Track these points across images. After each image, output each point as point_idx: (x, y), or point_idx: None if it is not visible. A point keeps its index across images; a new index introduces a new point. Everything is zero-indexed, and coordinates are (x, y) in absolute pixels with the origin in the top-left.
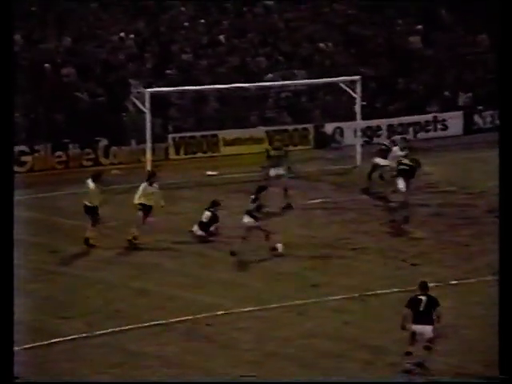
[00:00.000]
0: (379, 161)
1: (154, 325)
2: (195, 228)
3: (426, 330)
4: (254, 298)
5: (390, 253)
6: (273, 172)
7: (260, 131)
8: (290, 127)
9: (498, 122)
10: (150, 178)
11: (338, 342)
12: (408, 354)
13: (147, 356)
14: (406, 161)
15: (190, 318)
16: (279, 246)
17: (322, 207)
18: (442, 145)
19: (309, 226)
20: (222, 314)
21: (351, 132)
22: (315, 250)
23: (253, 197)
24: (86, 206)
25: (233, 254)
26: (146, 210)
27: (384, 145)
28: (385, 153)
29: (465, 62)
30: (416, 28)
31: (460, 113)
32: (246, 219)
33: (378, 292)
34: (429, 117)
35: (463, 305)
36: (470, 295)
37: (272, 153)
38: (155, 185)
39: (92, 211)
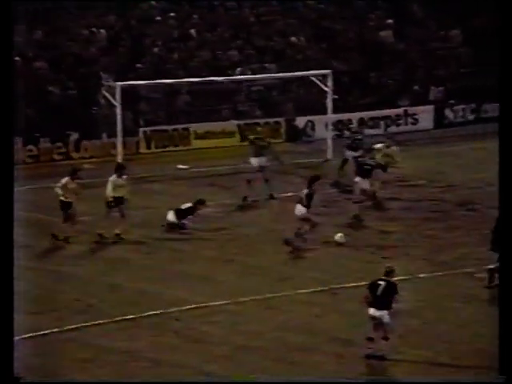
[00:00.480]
0: (350, 154)
1: (125, 319)
2: (170, 214)
3: (381, 314)
4: (224, 292)
5: (360, 246)
6: (254, 161)
7: (231, 125)
8: (262, 121)
9: (469, 116)
10: (119, 170)
11: (309, 335)
12: (369, 339)
13: (117, 351)
14: (369, 161)
15: (160, 312)
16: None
17: (292, 200)
18: (412, 139)
19: (280, 219)
20: (192, 308)
21: (322, 126)
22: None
23: (306, 190)
24: (61, 202)
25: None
26: (120, 202)
27: (356, 138)
28: (356, 146)
29: (436, 56)
30: (387, 22)
31: (431, 107)
32: (298, 209)
33: (349, 285)
34: (400, 111)
35: (433, 298)
36: (440, 288)
37: (257, 142)
38: (124, 177)
39: (68, 207)
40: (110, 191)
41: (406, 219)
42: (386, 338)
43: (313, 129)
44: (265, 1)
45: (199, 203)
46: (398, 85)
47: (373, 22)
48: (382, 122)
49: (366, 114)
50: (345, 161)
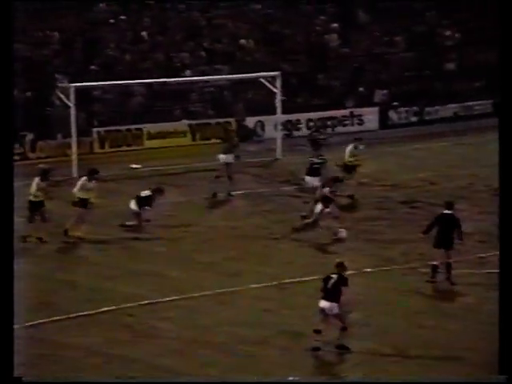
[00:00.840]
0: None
1: (80, 316)
2: (132, 203)
3: (330, 306)
4: (176, 288)
5: (308, 242)
6: (222, 158)
7: (183, 125)
8: (213, 121)
9: (412, 118)
10: (91, 174)
11: (258, 329)
12: (317, 331)
13: (73, 347)
14: (317, 160)
15: (114, 308)
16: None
17: (243, 198)
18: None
19: (231, 216)
20: (145, 304)
21: (272, 126)
22: (237, 240)
23: (327, 188)
24: (30, 202)
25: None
26: (84, 205)
27: (318, 138)
28: (318, 146)
29: (381, 60)
30: (333, 27)
31: (376, 109)
32: (319, 206)
33: (297, 280)
34: (346, 112)
35: (377, 291)
36: (384, 282)
37: (229, 140)
38: (94, 182)
39: (38, 206)
40: (77, 191)
41: (352, 216)
42: (344, 329)
43: (262, 129)
44: (215, 5)
45: (157, 191)
46: (345, 87)
47: (319, 27)
48: (329, 123)
49: (313, 115)
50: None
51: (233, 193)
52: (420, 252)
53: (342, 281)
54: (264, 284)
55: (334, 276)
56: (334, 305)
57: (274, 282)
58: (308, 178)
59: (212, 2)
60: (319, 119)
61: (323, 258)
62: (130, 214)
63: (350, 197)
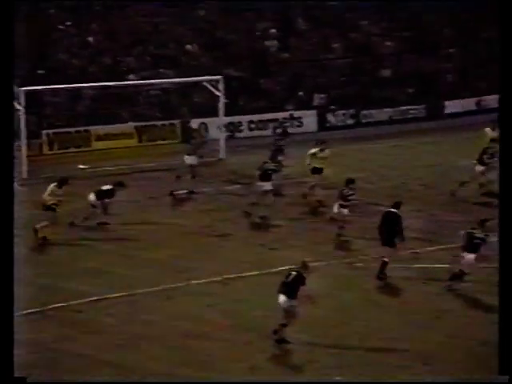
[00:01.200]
0: (281, 158)
1: (30, 313)
2: (91, 195)
3: (285, 300)
4: (123, 285)
5: (250, 239)
6: (187, 159)
7: (130, 127)
8: (159, 123)
9: (348, 120)
10: (61, 182)
11: (201, 324)
12: (283, 325)
13: (23, 343)
14: (271, 165)
15: (62, 305)
16: None
17: (188, 197)
18: (298, 140)
19: (176, 215)
20: (93, 301)
21: (215, 127)
22: (182, 238)
23: (345, 190)
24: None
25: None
26: (52, 208)
27: (281, 145)
28: (280, 152)
29: (320, 66)
30: (272, 33)
31: (314, 111)
32: (336, 208)
33: (239, 275)
34: (286, 114)
35: (315, 285)
36: (322, 277)
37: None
38: (63, 188)
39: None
40: (46, 196)
41: (291, 213)
42: (283, 325)
43: (206, 130)
44: (161, 11)
45: (118, 185)
46: (285, 91)
47: (260, 33)
48: (270, 125)
49: (255, 117)
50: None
51: (179, 192)
52: (356, 248)
53: (300, 279)
54: (208, 280)
55: (293, 272)
56: (289, 299)
57: (218, 278)
58: (260, 183)
59: (158, 7)
60: (260, 121)
61: (264, 254)
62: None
63: (319, 202)
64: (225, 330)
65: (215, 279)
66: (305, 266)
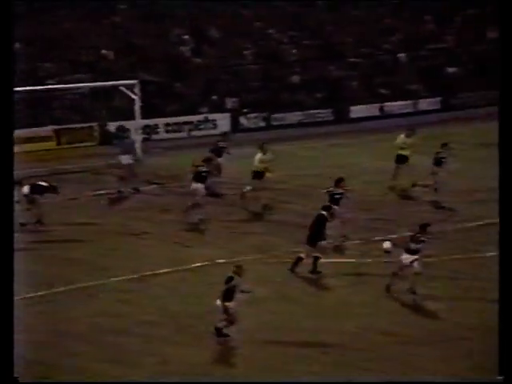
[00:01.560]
0: (220, 160)
1: None
2: (25, 187)
3: (225, 305)
4: (44, 283)
5: (166, 237)
6: (123, 158)
7: (48, 130)
8: (77, 126)
9: (260, 123)
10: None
11: (120, 319)
12: (229, 324)
13: None
14: (204, 168)
15: None
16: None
17: (106, 198)
18: (212, 142)
19: (95, 214)
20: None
21: (132, 130)
22: (101, 236)
23: (336, 189)
24: None
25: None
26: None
27: (222, 147)
28: (220, 152)
29: (232, 71)
30: (186, 39)
31: (228, 114)
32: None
33: (156, 272)
34: (201, 117)
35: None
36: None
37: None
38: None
39: None
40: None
41: (207, 212)
42: (230, 323)
43: (124, 132)
44: (78, 17)
45: (52, 188)
46: (199, 95)
47: (175, 39)
48: (185, 127)
49: (170, 120)
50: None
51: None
52: (270, 244)
53: (231, 285)
54: (125, 277)
55: (230, 277)
56: (225, 303)
57: (135, 275)
58: (194, 185)
59: (74, 13)
60: (176, 124)
61: (180, 252)
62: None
63: (265, 206)
64: (142, 326)
65: (133, 276)
66: (238, 269)
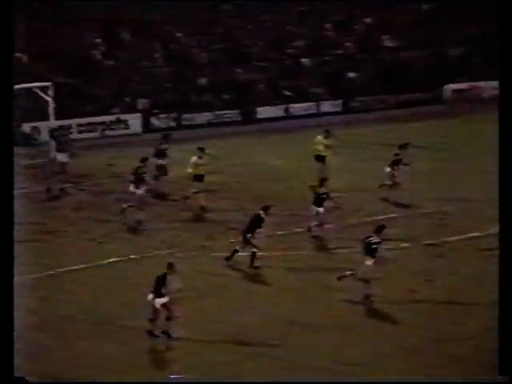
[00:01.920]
0: (161, 161)
1: None
2: None
3: (157, 301)
4: None
5: (80, 234)
6: (59, 157)
7: None
8: None
9: (171, 123)
10: None
11: (36, 315)
12: (150, 320)
13: None
14: (142, 170)
15: None
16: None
17: (22, 197)
18: (125, 141)
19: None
20: None
21: (46, 130)
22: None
23: (323, 189)
24: None
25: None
26: None
27: (161, 149)
28: (162, 154)
29: (144, 73)
30: (99, 42)
31: (139, 115)
32: (315, 208)
33: (71, 268)
34: (112, 117)
35: (143, 275)
36: (149, 267)
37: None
38: None
39: None
40: None
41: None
42: (168, 318)
43: (38, 133)
44: None
45: None
46: (112, 96)
47: (89, 42)
48: (98, 127)
49: (84, 120)
50: (157, 167)
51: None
52: (180, 239)
53: (163, 279)
54: (41, 274)
55: (163, 274)
56: (160, 299)
57: (51, 272)
58: (132, 187)
59: None
60: (89, 124)
61: (94, 248)
62: None
63: (202, 208)
64: (56, 321)
65: (49, 273)
66: (170, 267)
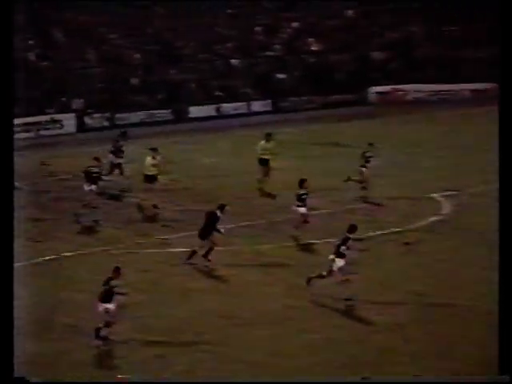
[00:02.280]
0: (113, 159)
1: None
2: None
3: (101, 307)
4: None
5: (18, 232)
6: None
7: None
8: None
9: (104, 122)
10: None
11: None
12: (106, 325)
13: None
14: (95, 169)
15: None
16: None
17: None
18: (59, 141)
19: None
20: None
21: None
22: None
23: (302, 190)
24: None
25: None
26: None
27: (120, 146)
28: (120, 152)
29: (78, 74)
30: (31, 44)
31: (73, 115)
32: (294, 208)
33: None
34: (47, 117)
35: (83, 273)
36: (87, 264)
37: None
38: None
39: None
40: None
41: (58, 208)
42: (107, 325)
43: None
44: None
45: None
46: (46, 97)
47: (21, 43)
48: (33, 127)
49: (18, 121)
50: (113, 165)
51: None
52: (115, 237)
53: (110, 286)
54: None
55: (109, 279)
56: (104, 305)
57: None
58: (86, 186)
59: None
60: (24, 124)
61: (29, 247)
62: None
63: (155, 206)
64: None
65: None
66: (116, 271)
